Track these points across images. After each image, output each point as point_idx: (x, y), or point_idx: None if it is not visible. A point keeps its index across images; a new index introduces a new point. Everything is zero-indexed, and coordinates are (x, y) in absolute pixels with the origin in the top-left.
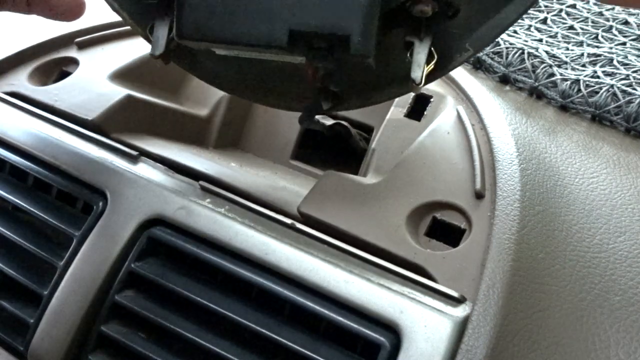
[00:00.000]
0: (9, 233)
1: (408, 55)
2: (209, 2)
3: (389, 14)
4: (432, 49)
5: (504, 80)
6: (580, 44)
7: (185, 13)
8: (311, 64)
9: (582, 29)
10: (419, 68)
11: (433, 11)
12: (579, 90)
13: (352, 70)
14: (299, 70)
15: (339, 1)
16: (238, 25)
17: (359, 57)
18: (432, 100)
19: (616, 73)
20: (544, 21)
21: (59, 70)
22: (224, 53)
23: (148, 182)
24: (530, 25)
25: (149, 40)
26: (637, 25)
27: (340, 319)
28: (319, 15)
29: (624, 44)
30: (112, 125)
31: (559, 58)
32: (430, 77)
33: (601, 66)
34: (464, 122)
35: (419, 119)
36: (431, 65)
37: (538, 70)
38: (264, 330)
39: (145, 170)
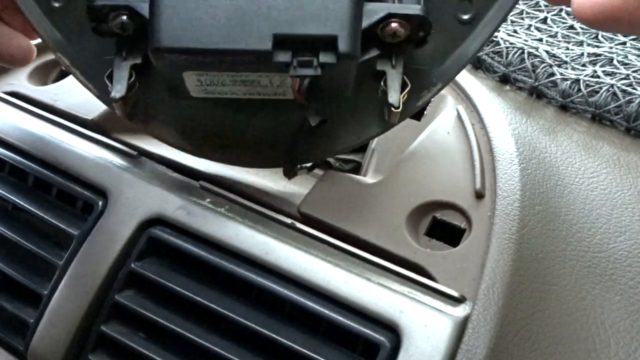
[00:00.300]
0: (8, 233)
1: (382, 84)
2: (187, 14)
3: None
4: (405, 77)
5: (504, 80)
6: (581, 43)
7: (163, 25)
8: (296, 74)
9: (582, 28)
10: (396, 92)
11: (406, 33)
12: (579, 89)
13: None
14: (273, 127)
15: (321, 5)
16: (219, 33)
17: (346, 60)
18: (432, 100)
19: (616, 73)
20: (544, 21)
21: (59, 70)
22: (195, 86)
23: (148, 181)
24: (530, 25)
25: (102, 98)
26: None
27: (340, 318)
28: (302, 19)
29: (624, 43)
30: (112, 124)
31: (559, 58)
32: (402, 114)
33: (601, 66)
34: (464, 121)
35: (419, 119)
36: (405, 94)
37: (538, 70)
38: (264, 330)
39: (145, 169)
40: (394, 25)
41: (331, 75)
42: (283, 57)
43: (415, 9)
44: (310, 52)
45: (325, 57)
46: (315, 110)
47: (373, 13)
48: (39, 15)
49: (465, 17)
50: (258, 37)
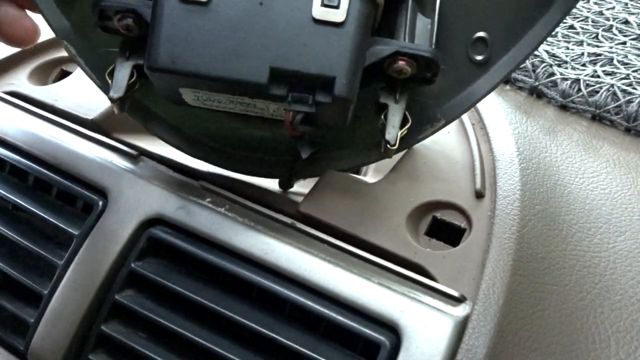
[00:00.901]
0: (9, 233)
1: (382, 117)
2: (186, 34)
3: (364, 71)
4: (407, 113)
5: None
6: (581, 43)
7: (161, 42)
8: (290, 108)
9: (582, 28)
10: (394, 129)
11: (412, 72)
12: (579, 89)
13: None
14: (271, 137)
15: (324, 43)
16: (216, 59)
17: (341, 103)
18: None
19: (616, 72)
20: None
21: (59, 70)
22: (192, 99)
23: (148, 181)
24: None
25: (104, 90)
26: (637, 25)
27: (340, 318)
28: (302, 55)
29: (624, 43)
30: (113, 124)
31: (559, 57)
32: (401, 146)
33: (601, 65)
34: (464, 121)
35: None
36: (404, 130)
37: (538, 70)
38: (264, 330)
39: (145, 169)
40: (401, 63)
41: (326, 111)
42: (279, 90)
43: (424, 50)
44: (307, 89)
45: (321, 97)
46: (308, 141)
47: (381, 49)
48: (49, 3)
49: (479, 57)
50: (255, 68)
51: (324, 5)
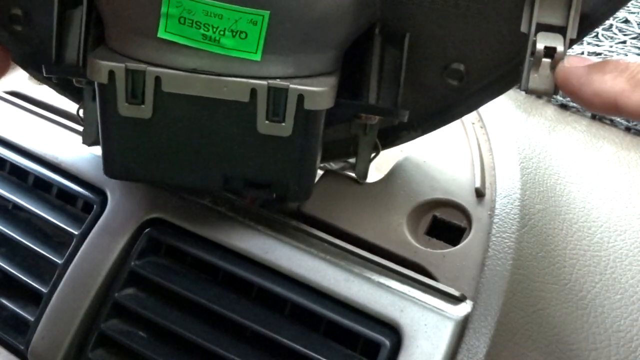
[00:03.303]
0: (9, 232)
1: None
2: (137, 147)
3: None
4: (377, 140)
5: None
6: (580, 42)
7: (113, 154)
8: (247, 195)
9: None
10: (364, 163)
11: (375, 119)
12: None
13: None
14: None
15: (272, 155)
16: (170, 169)
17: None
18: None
19: None
20: None
21: None
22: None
23: None
24: None
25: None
26: (637, 24)
27: (341, 318)
28: (253, 166)
29: (624, 42)
30: None
31: None
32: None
33: None
34: (464, 120)
35: None
36: (375, 155)
37: None
38: (264, 330)
39: None
40: (363, 117)
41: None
42: (235, 187)
43: (385, 109)
44: (262, 187)
45: (277, 192)
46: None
47: (345, 110)
48: None
49: (455, 83)
50: (209, 177)
51: (269, 120)
